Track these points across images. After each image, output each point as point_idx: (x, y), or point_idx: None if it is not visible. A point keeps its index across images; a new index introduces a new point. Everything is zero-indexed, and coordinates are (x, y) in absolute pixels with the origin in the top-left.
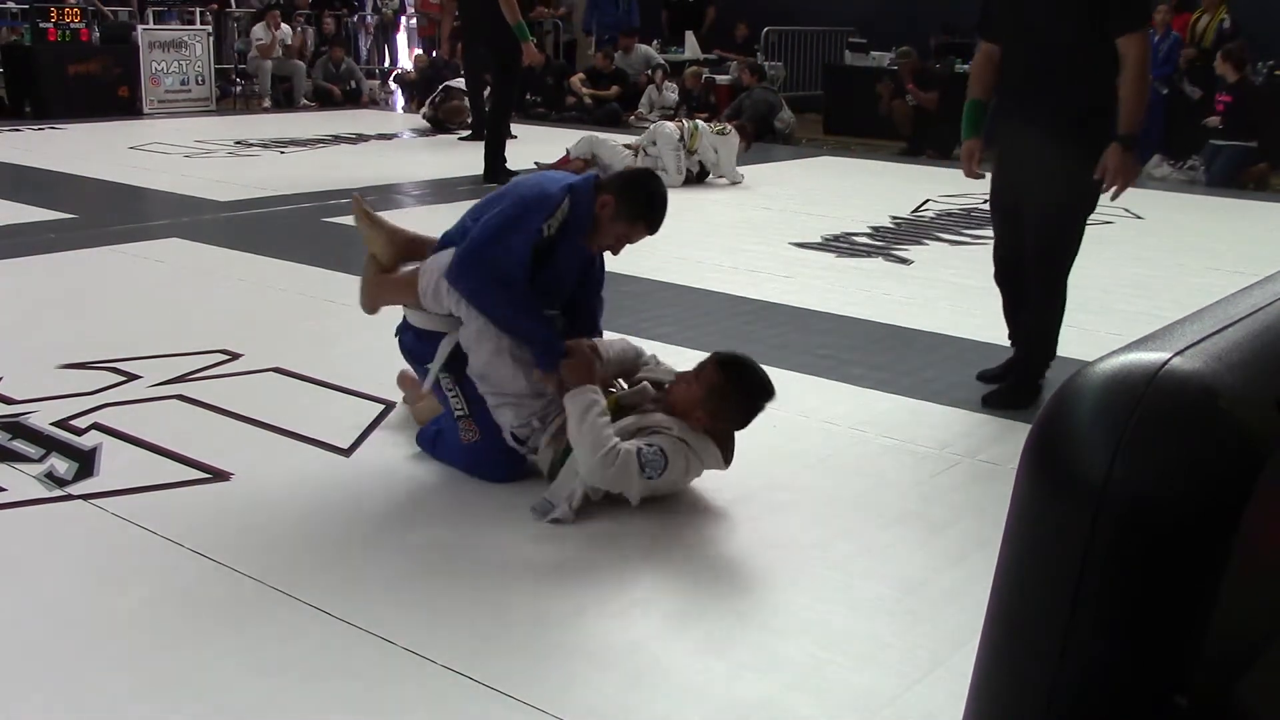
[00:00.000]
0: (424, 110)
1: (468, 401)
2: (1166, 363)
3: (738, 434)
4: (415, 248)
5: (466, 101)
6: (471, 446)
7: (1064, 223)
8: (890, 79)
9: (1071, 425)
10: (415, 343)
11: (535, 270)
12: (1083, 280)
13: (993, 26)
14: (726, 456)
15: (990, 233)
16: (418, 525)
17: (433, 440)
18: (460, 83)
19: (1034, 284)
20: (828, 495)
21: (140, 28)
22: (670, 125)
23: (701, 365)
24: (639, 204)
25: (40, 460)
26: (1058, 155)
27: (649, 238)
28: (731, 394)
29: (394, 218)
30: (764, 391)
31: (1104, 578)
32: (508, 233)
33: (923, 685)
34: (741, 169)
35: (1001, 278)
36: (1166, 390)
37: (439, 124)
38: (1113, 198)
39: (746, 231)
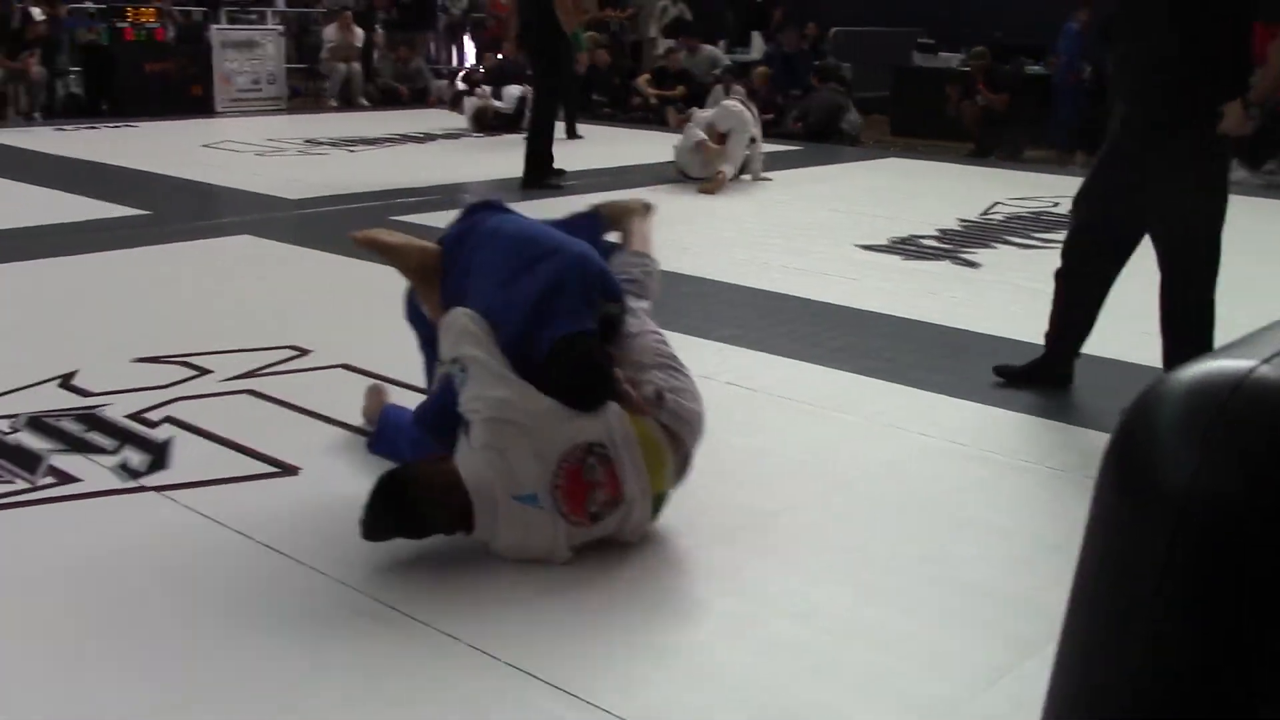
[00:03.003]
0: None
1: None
2: (1253, 370)
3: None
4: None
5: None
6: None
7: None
8: (959, 80)
9: (1154, 433)
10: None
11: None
12: (1153, 286)
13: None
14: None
15: (1061, 236)
16: None
17: (383, 438)
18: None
19: (1188, 305)
20: (891, 499)
21: (213, 27)
22: (747, 115)
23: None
24: None
25: (115, 452)
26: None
27: (711, 236)
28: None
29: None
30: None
31: (1187, 588)
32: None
33: (987, 694)
34: (808, 170)
35: (1075, 273)
36: (1252, 397)
37: (485, 125)
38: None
39: (812, 233)
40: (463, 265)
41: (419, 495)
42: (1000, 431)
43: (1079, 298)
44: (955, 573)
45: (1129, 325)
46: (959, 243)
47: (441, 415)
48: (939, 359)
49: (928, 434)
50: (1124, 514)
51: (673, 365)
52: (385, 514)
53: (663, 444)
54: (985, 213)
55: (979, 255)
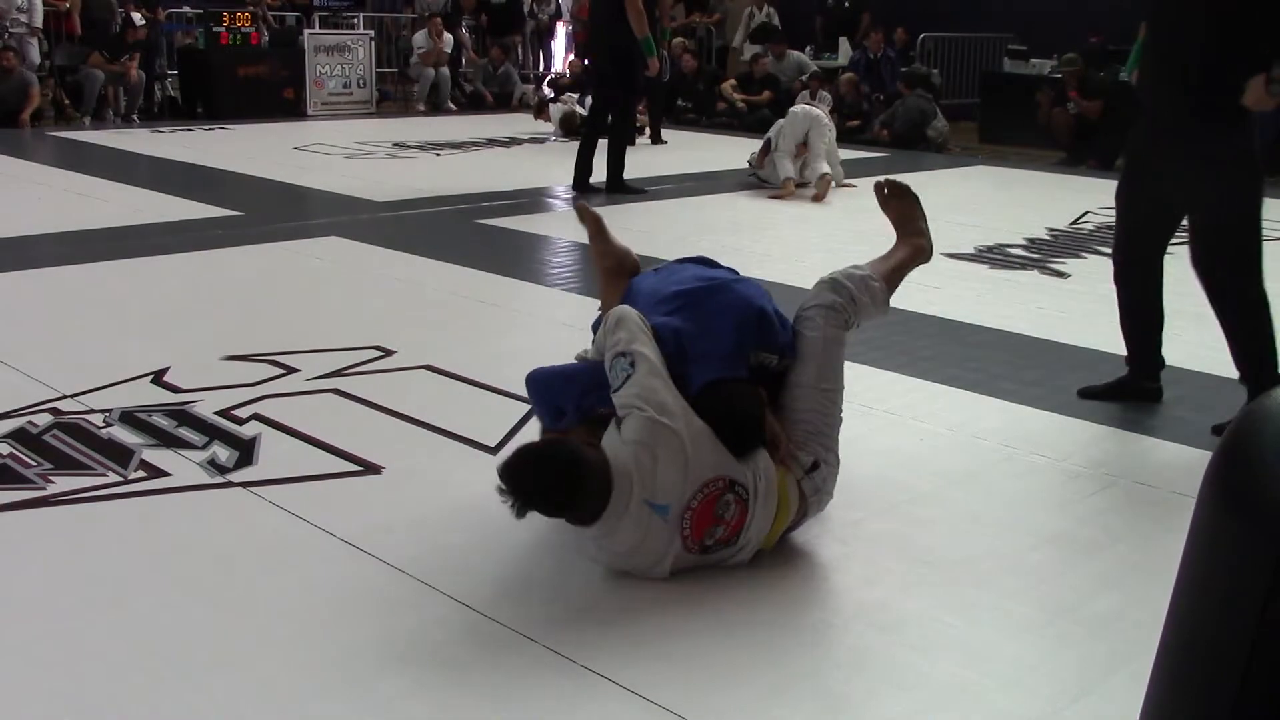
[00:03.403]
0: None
1: None
2: None
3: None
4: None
5: (574, 106)
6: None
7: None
8: (1050, 87)
9: (1258, 453)
10: None
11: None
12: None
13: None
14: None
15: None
16: (562, 523)
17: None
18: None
19: (1239, 295)
20: (975, 512)
21: (306, 32)
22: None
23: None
24: None
25: (203, 447)
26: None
27: (794, 243)
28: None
29: (543, 221)
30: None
31: None
32: None
33: (1070, 711)
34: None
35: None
36: None
37: (573, 130)
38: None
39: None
40: (645, 284)
41: (576, 470)
42: (1087, 444)
43: (1137, 292)
44: (1039, 589)
45: (1210, 334)
46: (1047, 252)
47: (566, 383)
48: (1025, 369)
49: (1012, 445)
50: (1227, 536)
51: (829, 437)
52: (542, 477)
53: (792, 505)
54: (1075, 222)
55: (1068, 265)
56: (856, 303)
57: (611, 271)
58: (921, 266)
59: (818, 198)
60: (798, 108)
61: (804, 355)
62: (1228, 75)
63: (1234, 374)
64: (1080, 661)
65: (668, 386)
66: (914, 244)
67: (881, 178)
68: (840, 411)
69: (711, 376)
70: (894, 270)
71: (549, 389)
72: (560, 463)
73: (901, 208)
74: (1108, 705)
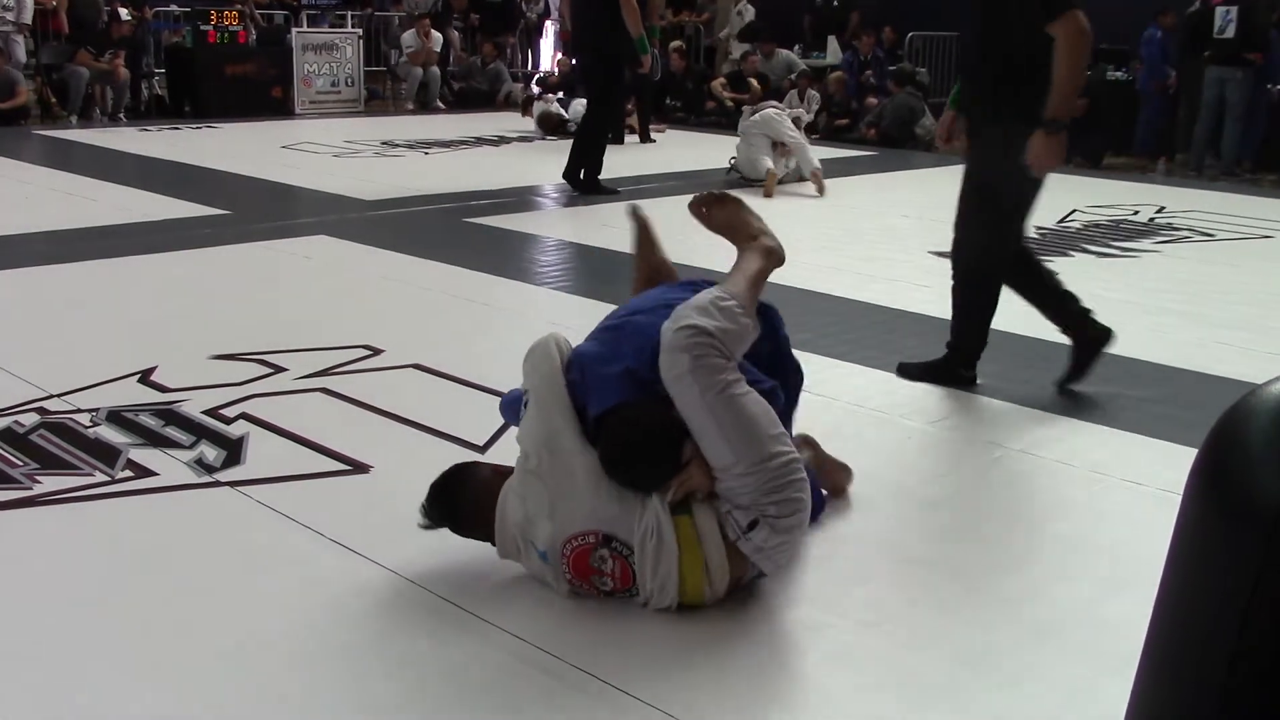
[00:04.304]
0: (528, 116)
1: None
2: None
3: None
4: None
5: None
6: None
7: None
8: None
9: (1244, 447)
10: None
11: None
12: (1234, 295)
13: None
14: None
15: (1141, 245)
16: None
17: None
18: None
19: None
20: (965, 508)
21: (294, 30)
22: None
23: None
24: None
25: (191, 447)
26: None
27: (783, 240)
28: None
29: (532, 219)
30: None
31: (1275, 610)
32: None
33: (1060, 710)
34: (881, 175)
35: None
36: None
37: (551, 129)
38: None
39: (885, 239)
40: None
41: (469, 499)
42: (1075, 443)
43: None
44: (1034, 586)
45: (1215, 336)
46: (1035, 251)
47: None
48: (1013, 368)
49: (1001, 443)
50: (1212, 533)
51: (774, 501)
52: (436, 504)
53: (711, 559)
54: (1062, 220)
55: (1056, 263)
56: (724, 342)
57: (638, 282)
58: (907, 264)
59: (820, 190)
60: (748, 120)
61: (700, 434)
62: (1004, 90)
63: (1220, 370)
64: (1071, 660)
65: (564, 424)
66: (759, 248)
67: (692, 196)
68: (787, 468)
69: (608, 404)
70: (752, 285)
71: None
72: (434, 487)
73: (727, 217)
74: (1101, 704)
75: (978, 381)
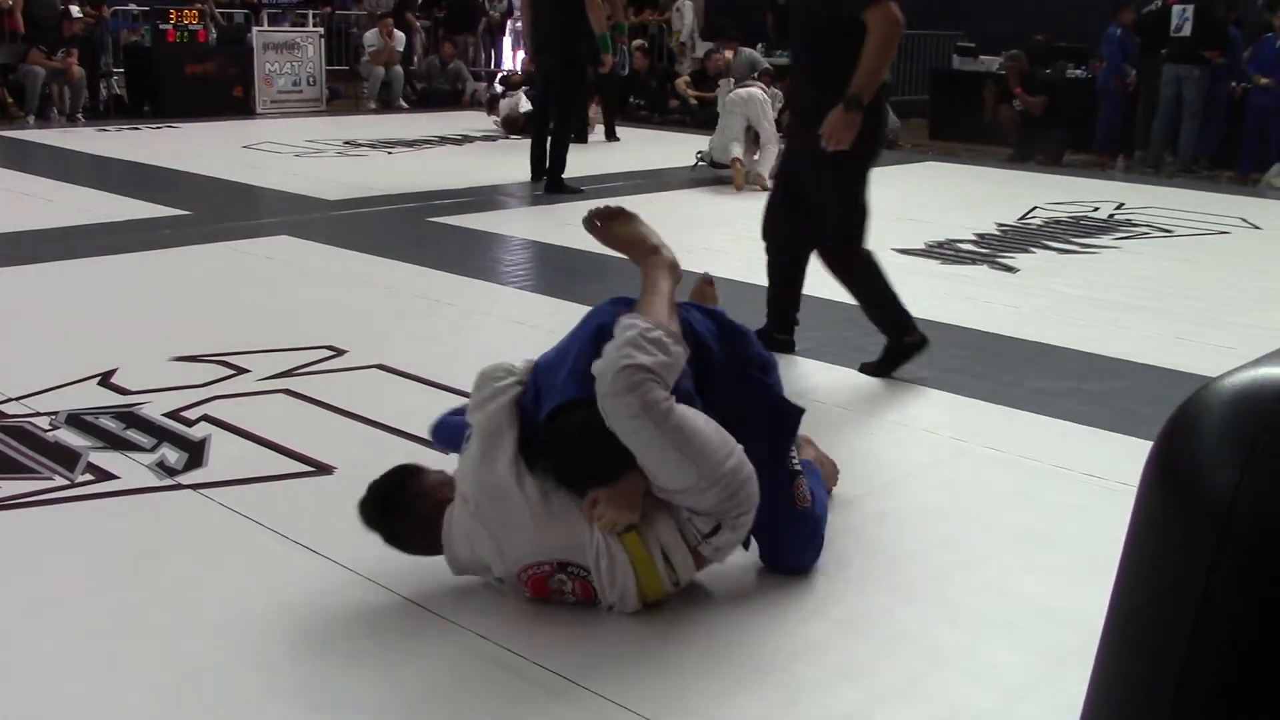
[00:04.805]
0: (493, 116)
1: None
2: None
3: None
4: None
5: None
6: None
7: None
8: (995, 83)
9: (1196, 443)
10: None
11: None
12: (1192, 291)
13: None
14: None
15: (1101, 241)
16: None
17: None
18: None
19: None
20: (931, 506)
21: (255, 29)
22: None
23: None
24: None
25: (152, 450)
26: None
27: (745, 238)
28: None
29: (496, 219)
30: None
31: (1229, 602)
32: None
33: (1023, 703)
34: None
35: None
36: None
37: (516, 128)
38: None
39: None
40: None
41: (412, 519)
42: (1039, 438)
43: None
44: (993, 581)
45: (1176, 330)
46: (996, 247)
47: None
48: (977, 363)
49: (964, 439)
50: (1165, 527)
51: (748, 491)
52: (379, 521)
53: (664, 567)
54: (1023, 217)
55: (1017, 260)
56: (662, 375)
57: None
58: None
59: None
60: (731, 94)
61: (660, 467)
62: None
63: (1178, 365)
64: (1034, 654)
65: (507, 469)
66: (663, 264)
67: (586, 210)
68: (740, 466)
69: (551, 405)
70: (671, 308)
71: (450, 431)
72: (375, 500)
73: (623, 232)
74: (1060, 696)
75: (924, 375)
